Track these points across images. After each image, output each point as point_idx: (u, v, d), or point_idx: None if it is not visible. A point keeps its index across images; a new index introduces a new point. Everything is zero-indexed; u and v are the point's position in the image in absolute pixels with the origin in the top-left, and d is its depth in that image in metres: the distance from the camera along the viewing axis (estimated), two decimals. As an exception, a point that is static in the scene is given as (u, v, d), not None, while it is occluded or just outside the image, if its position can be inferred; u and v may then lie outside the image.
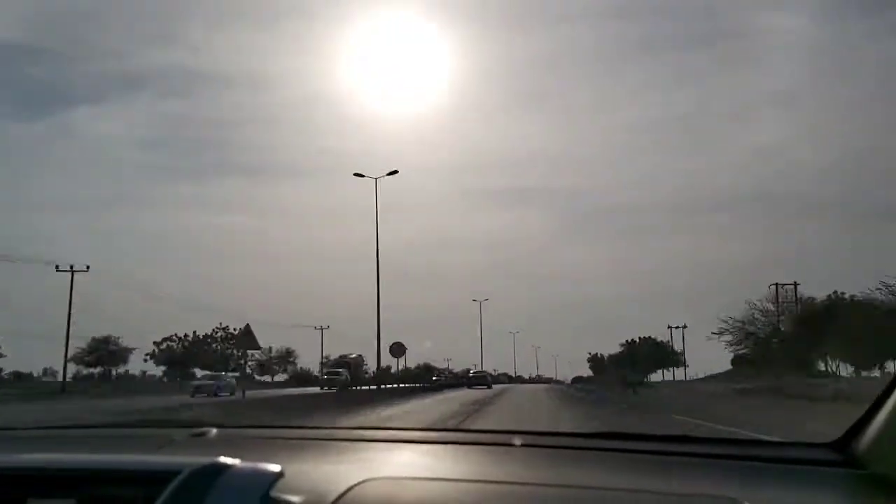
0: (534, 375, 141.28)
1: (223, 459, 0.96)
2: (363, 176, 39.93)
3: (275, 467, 0.96)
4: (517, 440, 1.37)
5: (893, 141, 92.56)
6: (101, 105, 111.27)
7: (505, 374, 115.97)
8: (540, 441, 1.40)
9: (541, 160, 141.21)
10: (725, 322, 43.80)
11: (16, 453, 1.11)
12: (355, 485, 0.97)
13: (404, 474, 1.10)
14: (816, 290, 49.75)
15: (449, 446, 1.40)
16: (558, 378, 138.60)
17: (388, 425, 9.77)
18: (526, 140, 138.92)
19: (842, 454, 1.15)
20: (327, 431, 1.58)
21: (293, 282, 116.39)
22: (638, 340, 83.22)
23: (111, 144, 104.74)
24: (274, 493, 0.92)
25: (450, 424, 13.52)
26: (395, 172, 40.28)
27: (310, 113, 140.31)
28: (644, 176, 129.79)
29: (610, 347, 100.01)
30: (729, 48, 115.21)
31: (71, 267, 49.81)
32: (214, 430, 1.46)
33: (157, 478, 0.91)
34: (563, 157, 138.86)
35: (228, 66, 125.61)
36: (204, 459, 0.95)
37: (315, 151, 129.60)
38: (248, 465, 0.95)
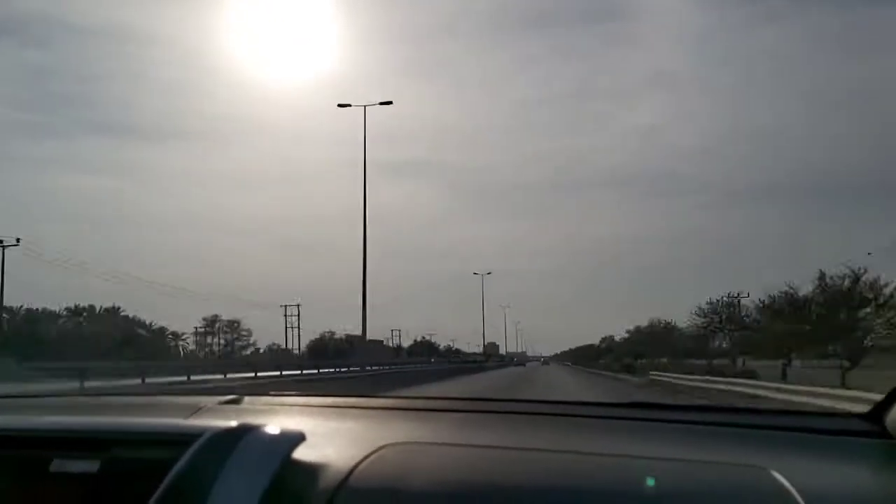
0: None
1: (246, 422, 0.96)
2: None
3: (297, 431, 0.97)
4: (541, 409, 1.36)
5: (768, 124, 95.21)
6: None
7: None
8: (564, 410, 1.40)
9: (431, 132, 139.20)
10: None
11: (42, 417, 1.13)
12: (377, 449, 0.98)
13: (427, 440, 1.10)
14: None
15: (472, 415, 1.40)
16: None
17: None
18: (417, 111, 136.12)
19: (873, 425, 1.13)
20: (353, 399, 1.60)
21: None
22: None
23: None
24: (296, 456, 0.92)
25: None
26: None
27: (185, 73, 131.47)
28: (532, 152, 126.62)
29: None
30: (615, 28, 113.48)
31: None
32: (244, 398, 1.49)
33: (180, 440, 0.92)
34: (455, 129, 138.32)
35: (94, 18, 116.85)
36: (228, 423, 0.96)
37: (191, 114, 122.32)
38: (271, 428, 0.96)
